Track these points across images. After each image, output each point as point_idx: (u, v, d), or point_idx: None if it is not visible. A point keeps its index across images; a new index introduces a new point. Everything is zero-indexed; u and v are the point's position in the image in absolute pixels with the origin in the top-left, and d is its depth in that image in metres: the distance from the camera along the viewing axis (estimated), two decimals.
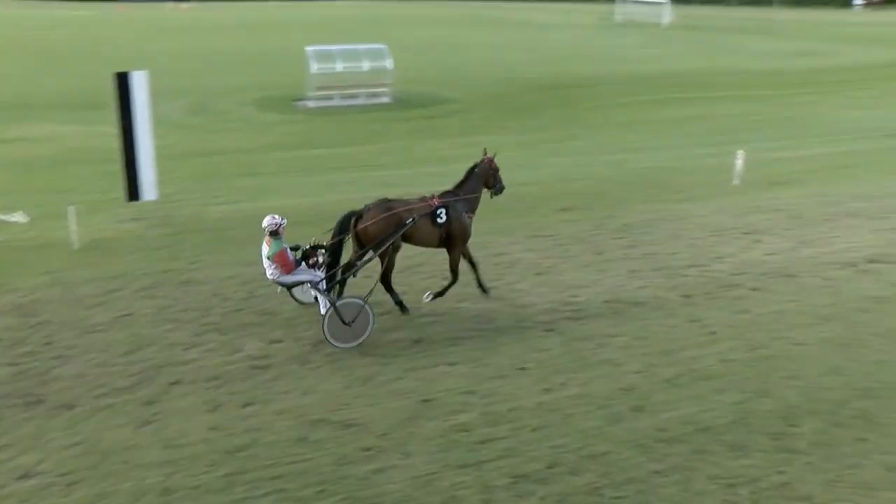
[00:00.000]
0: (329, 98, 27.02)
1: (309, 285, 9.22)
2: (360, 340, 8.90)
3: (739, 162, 16.02)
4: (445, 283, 9.93)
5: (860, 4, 74.52)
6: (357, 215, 9.33)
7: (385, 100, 27.47)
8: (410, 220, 9.24)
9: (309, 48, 27.15)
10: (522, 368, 8.43)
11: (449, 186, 9.77)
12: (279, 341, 9.01)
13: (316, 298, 9.49)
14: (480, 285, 10.00)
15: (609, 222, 13.34)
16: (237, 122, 24.17)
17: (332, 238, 9.31)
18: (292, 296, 9.76)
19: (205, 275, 11.02)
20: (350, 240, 9.38)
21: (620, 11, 68.85)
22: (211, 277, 10.91)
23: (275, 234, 8.86)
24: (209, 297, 10.22)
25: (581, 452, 6.94)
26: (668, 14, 63.18)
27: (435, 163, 18.28)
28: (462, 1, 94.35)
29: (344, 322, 8.77)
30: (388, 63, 27.67)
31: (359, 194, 15.50)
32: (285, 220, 8.95)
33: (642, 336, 9.16)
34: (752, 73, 35.55)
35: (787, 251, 12.05)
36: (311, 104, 26.74)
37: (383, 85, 27.65)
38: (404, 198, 9.63)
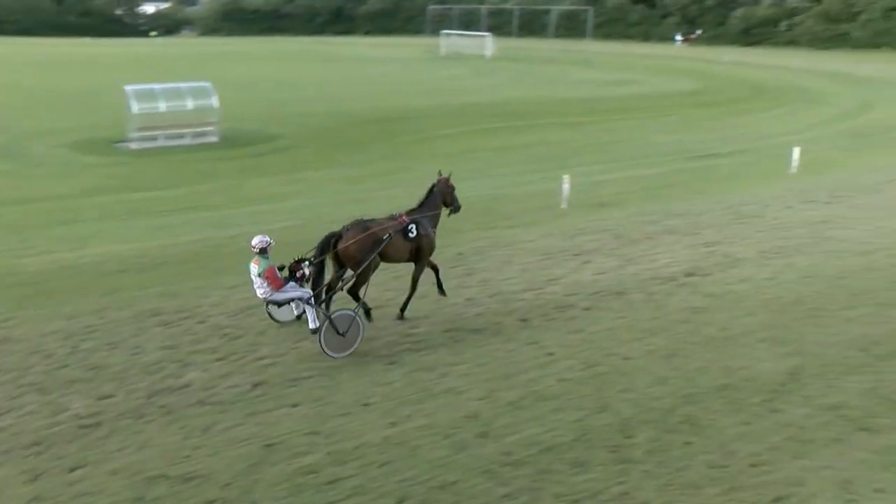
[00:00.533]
0: (153, 139, 25.88)
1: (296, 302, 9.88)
2: (352, 349, 9.55)
3: (566, 186, 16.88)
4: (404, 297, 10.64)
5: (680, 40, 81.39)
6: (336, 236, 9.91)
7: (212, 139, 26.68)
8: (387, 236, 10.04)
9: (129, 87, 25.94)
10: (366, 404, 8.36)
11: (407, 207, 10.59)
12: (110, 396, 8.43)
13: (298, 316, 10.29)
14: (440, 287, 10.97)
15: (443, 252, 13.59)
16: (52, 167, 22.58)
17: (315, 258, 9.82)
18: (270, 315, 10.35)
19: (22, 332, 10.14)
20: (330, 259, 9.95)
21: (446, 45, 71.14)
22: (29, 334, 10.06)
23: (263, 252, 9.46)
24: (27, 356, 9.41)
25: (430, 484, 6.95)
26: (490, 46, 65.96)
27: (266, 201, 17.94)
28: (288, 37, 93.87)
29: (338, 333, 9.41)
30: (214, 101, 26.93)
31: (190, 236, 14.96)
32: (273, 241, 9.63)
33: (483, 362, 9.36)
34: (573, 101, 37.80)
35: (615, 270, 12.77)
36: (133, 145, 25.49)
37: (209, 123, 26.86)
38: (376, 218, 10.32)
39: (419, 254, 10.51)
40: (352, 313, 9.55)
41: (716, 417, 8.11)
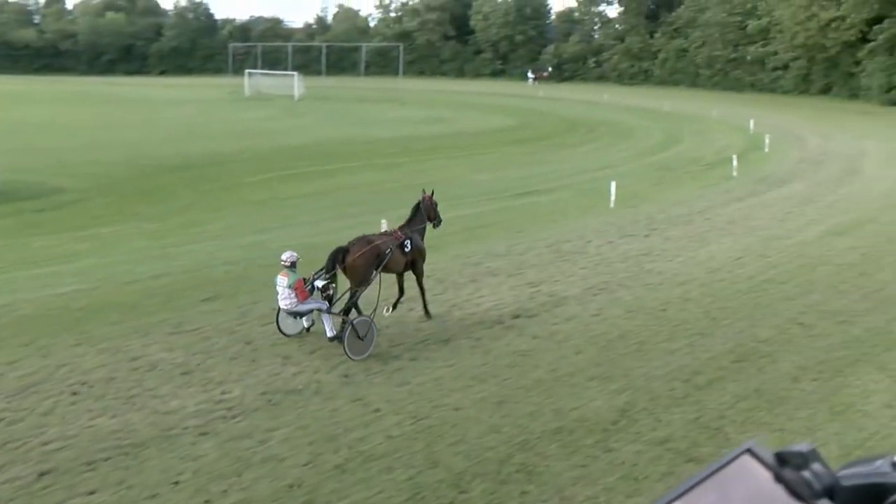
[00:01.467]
0: None
1: (310, 314, 11.58)
2: (368, 353, 11.09)
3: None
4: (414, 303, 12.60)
5: (532, 77, 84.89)
6: (344, 251, 11.52)
7: None
8: (389, 250, 11.84)
9: None
10: (176, 482, 7.84)
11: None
12: None
13: (308, 328, 11.88)
14: (394, 307, 12.63)
15: (256, 308, 13.20)
16: None
17: (326, 273, 11.51)
18: (279, 328, 11.70)
19: None
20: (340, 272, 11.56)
21: (250, 85, 70.21)
22: None
23: (292, 266, 11.20)
24: None
25: None
26: (299, 86, 65.88)
27: (52, 262, 16.61)
28: (70, 76, 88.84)
29: (359, 337, 10.99)
30: None
31: None
32: (299, 256, 11.46)
33: (304, 424, 9.10)
34: (387, 141, 38.44)
35: (440, 315, 12.94)
36: None
37: None
38: (375, 234, 12.29)
39: (415, 264, 12.65)
40: (368, 319, 11.29)
41: (551, 463, 8.33)
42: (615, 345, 11.73)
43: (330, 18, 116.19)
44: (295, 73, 69.91)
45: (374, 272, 11.73)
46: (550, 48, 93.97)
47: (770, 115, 51.01)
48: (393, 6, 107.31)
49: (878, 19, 59.44)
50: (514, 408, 9.62)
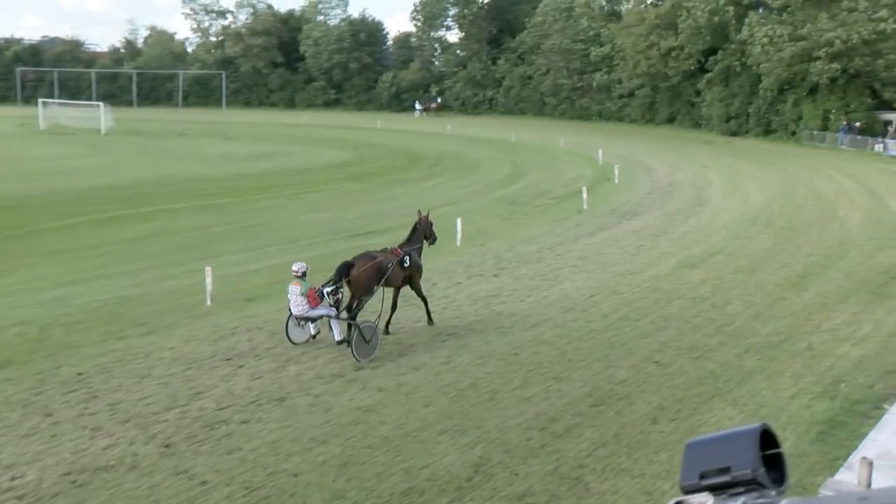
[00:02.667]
0: None
1: (317, 321, 13.92)
2: (374, 355, 13.29)
3: (209, 280, 16.51)
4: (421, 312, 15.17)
5: (420, 109, 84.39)
6: (349, 265, 13.81)
7: None
8: (390, 265, 14.17)
9: None
10: None
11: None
12: None
13: (314, 336, 14.04)
14: (387, 324, 14.71)
15: (57, 375, 12.44)
16: None
17: (333, 284, 13.74)
18: (288, 336, 13.89)
19: None
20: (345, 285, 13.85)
21: (46, 116, 66.73)
22: None
23: (304, 276, 13.62)
24: None
25: None
26: (106, 118, 63.35)
27: None
28: None
29: (365, 340, 13.17)
30: None
31: None
32: (308, 269, 13.84)
33: None
34: (211, 179, 37.56)
35: (273, 372, 12.68)
36: None
37: None
38: (375, 250, 14.70)
39: (412, 279, 14.95)
40: (373, 324, 13.64)
41: None
42: (467, 394, 11.89)
43: (140, 42, 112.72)
44: (101, 103, 67.10)
45: (377, 285, 14.10)
46: (388, 76, 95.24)
47: (618, 144, 53.94)
48: (213, 30, 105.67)
49: (712, 50, 64.53)
50: (359, 470, 9.52)
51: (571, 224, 26.79)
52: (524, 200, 32.14)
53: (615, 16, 78.98)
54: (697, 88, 67.16)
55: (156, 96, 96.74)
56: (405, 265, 14.61)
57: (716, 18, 62.34)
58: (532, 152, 51.00)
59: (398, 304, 15.06)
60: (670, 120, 71.89)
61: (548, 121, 78.49)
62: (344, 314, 13.80)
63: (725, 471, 1.59)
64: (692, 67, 66.68)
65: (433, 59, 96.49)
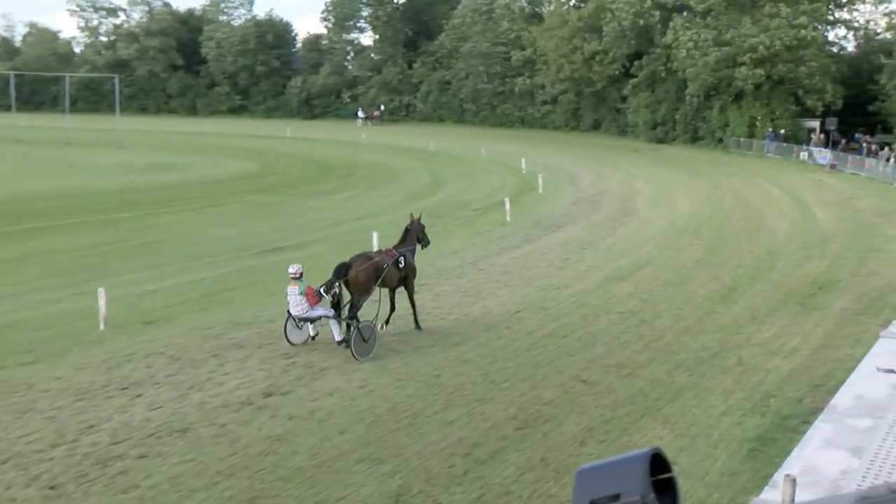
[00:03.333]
0: None
1: (316, 322, 15.05)
2: (372, 354, 14.50)
3: (102, 303, 16.09)
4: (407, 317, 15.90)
5: (362, 117, 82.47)
6: (347, 266, 14.93)
7: None
8: (386, 266, 15.39)
9: None
10: None
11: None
12: None
13: (313, 337, 15.14)
14: (385, 322, 16.19)
15: None
16: None
17: (331, 284, 14.79)
18: (287, 338, 15.02)
19: None
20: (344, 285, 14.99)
21: None
22: None
23: (300, 277, 14.65)
24: None
25: None
26: None
27: None
28: None
29: (364, 339, 14.39)
30: None
31: None
32: (302, 271, 14.90)
33: None
34: (104, 193, 36.69)
35: (174, 401, 12.41)
36: None
37: None
38: (371, 251, 16.58)
39: (407, 280, 16.25)
40: (371, 324, 14.92)
41: None
42: (385, 420, 11.84)
43: (18, 40, 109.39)
44: None
45: (374, 285, 15.33)
46: (297, 80, 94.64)
47: (542, 152, 54.72)
48: (103, 29, 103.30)
49: (637, 55, 65.97)
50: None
51: (494, 237, 27.02)
52: (444, 212, 32.27)
53: (537, 18, 79.77)
54: (623, 94, 68.45)
55: (38, 101, 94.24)
56: (400, 266, 15.89)
57: (640, 21, 63.72)
58: (452, 161, 51.34)
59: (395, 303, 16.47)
60: (595, 127, 73.19)
61: (468, 128, 79.17)
62: (344, 314, 15.02)
63: (615, 498, 1.62)
64: (617, 72, 67.90)
65: (346, 64, 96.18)
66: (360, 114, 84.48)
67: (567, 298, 19.02)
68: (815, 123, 57.44)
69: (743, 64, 54.91)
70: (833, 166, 46.30)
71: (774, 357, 14.81)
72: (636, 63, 65.67)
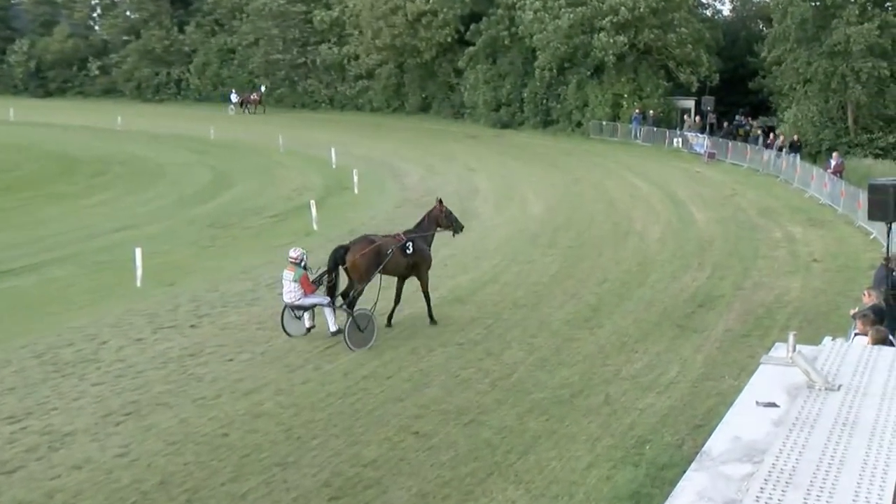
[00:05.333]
0: None
1: (312, 310, 17.93)
2: (370, 344, 17.24)
3: None
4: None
5: (237, 102, 76.63)
6: (345, 249, 17.69)
7: None
8: (390, 251, 17.77)
9: None
10: None
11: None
12: None
13: (309, 329, 18.01)
14: (390, 317, 18.65)
15: None
16: None
17: (329, 270, 17.76)
18: (284, 328, 17.88)
19: None
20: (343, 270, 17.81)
21: None
22: None
23: (300, 263, 17.53)
24: None
25: None
26: None
27: None
28: None
29: (359, 329, 17.09)
30: None
31: None
32: (305, 258, 17.92)
33: None
34: None
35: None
36: None
37: None
38: (378, 234, 18.84)
39: (418, 268, 18.66)
40: (368, 313, 17.35)
41: None
42: (154, 499, 11.51)
43: None
44: None
45: (375, 271, 17.73)
46: (22, 44, 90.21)
47: (357, 141, 54.71)
48: None
49: (474, 17, 66.61)
50: None
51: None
52: (232, 220, 31.81)
53: None
54: (457, 67, 68.98)
55: None
56: (408, 252, 18.20)
57: None
58: (240, 153, 50.69)
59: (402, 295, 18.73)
60: (424, 108, 73.69)
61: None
62: (340, 302, 17.64)
63: None
64: (449, 39, 68.26)
65: (92, 25, 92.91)
66: (234, 97, 78.77)
67: (394, 327, 19.06)
68: (690, 103, 59.58)
69: (602, 29, 56.29)
70: (711, 155, 48.27)
71: (648, 393, 15.33)
72: (473, 27, 66.19)
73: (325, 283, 17.88)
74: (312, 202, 31.30)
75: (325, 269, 18.08)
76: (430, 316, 19.07)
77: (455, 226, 19.84)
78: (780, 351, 5.81)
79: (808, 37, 47.28)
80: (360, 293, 17.86)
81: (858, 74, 45.82)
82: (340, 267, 17.92)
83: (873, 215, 17.06)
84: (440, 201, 19.89)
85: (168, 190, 38.85)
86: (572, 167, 45.96)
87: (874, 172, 35.74)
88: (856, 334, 12.04)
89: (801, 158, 42.26)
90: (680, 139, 53.53)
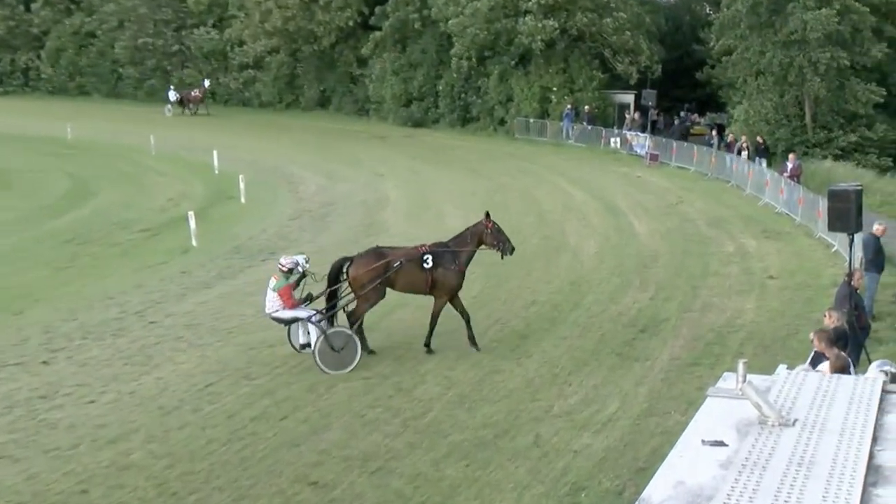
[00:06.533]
0: None
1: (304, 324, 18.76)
2: (350, 368, 17.98)
3: None
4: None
5: (175, 101, 72.96)
6: (349, 262, 18.82)
7: None
8: (397, 264, 18.63)
9: None
10: None
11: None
12: None
13: (303, 344, 18.84)
14: (471, 339, 19.44)
15: None
16: None
17: (329, 284, 18.83)
18: (290, 342, 19.09)
19: None
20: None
21: None
22: None
23: (289, 272, 18.38)
24: None
25: None
26: None
27: None
28: None
29: (333, 349, 17.88)
30: None
31: None
32: (306, 265, 18.73)
33: None
34: None
35: None
36: None
37: None
38: (396, 247, 19.84)
39: (437, 288, 18.99)
40: (348, 331, 18.14)
41: None
42: None
43: None
44: None
45: (380, 289, 18.83)
46: None
47: (244, 142, 54.43)
48: None
49: None
50: None
51: (174, 271, 26.66)
52: (94, 236, 31.47)
53: None
54: (361, 55, 68.76)
55: None
56: (425, 266, 18.81)
57: None
58: (105, 157, 50.14)
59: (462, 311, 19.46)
60: (322, 103, 73.52)
61: (129, 105, 77.25)
62: (329, 318, 18.74)
63: None
64: (351, 23, 68.06)
65: None
66: (172, 95, 74.12)
67: (286, 360, 19.01)
68: (630, 97, 60.07)
69: (528, 12, 56.46)
70: (654, 157, 48.66)
71: (584, 432, 15.45)
72: (378, 9, 66.01)
73: (311, 300, 18.82)
74: (191, 214, 31.04)
75: (318, 287, 18.99)
76: (428, 345, 19.35)
77: (504, 246, 19.79)
78: (728, 382, 5.89)
79: (762, 23, 47.65)
80: (359, 314, 18.84)
81: (816, 65, 46.22)
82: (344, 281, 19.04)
83: (833, 225, 17.47)
84: (487, 215, 19.87)
85: (16, 201, 38.16)
86: (495, 173, 46.25)
87: (834, 177, 36.32)
88: (814, 353, 12.30)
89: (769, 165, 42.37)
90: (618, 139, 53.85)
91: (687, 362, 18.86)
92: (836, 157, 46.73)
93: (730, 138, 46.73)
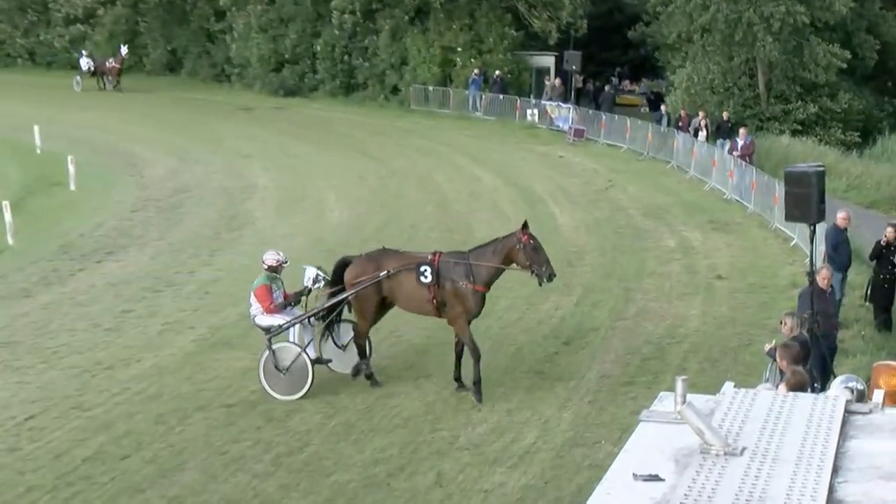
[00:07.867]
0: None
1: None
2: (299, 395, 18.08)
3: None
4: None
5: (89, 72, 69.66)
6: (346, 264, 19.22)
7: None
8: (384, 273, 18.44)
9: None
10: None
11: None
12: None
13: (315, 359, 18.97)
14: (458, 380, 18.90)
15: None
16: None
17: (331, 285, 19.13)
18: (324, 363, 19.33)
19: None
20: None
21: None
22: None
23: (271, 270, 18.90)
24: None
25: None
26: None
27: None
28: None
29: (278, 369, 18.08)
30: None
31: None
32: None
33: None
34: None
35: None
36: None
37: None
38: (410, 252, 19.69)
39: (448, 308, 18.43)
40: (298, 349, 18.20)
41: None
42: None
43: None
44: None
45: (374, 301, 18.81)
46: None
47: (74, 115, 53.48)
48: None
49: None
50: None
51: None
52: None
53: None
54: (219, 6, 68.01)
55: None
56: (422, 279, 18.27)
57: None
58: None
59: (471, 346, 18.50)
60: (172, 67, 72.88)
61: None
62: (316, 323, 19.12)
63: None
64: None
65: None
66: (84, 63, 69.97)
67: (127, 386, 18.89)
68: (550, 60, 60.04)
69: None
70: (579, 133, 48.63)
71: (497, 468, 15.56)
72: None
73: (299, 303, 19.02)
74: (6, 205, 30.61)
75: (298, 291, 19.08)
76: (477, 383, 18.17)
77: (541, 270, 18.06)
78: (665, 403, 5.91)
79: None
80: (359, 333, 19.05)
81: (769, 21, 46.00)
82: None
83: (791, 214, 17.45)
84: (525, 226, 18.33)
85: None
86: (388, 153, 46.19)
87: (793, 155, 36.89)
88: (781, 376, 12.45)
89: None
90: (536, 111, 53.74)
91: (619, 381, 19.06)
92: (795, 133, 47.46)
93: (682, 114, 46.26)
